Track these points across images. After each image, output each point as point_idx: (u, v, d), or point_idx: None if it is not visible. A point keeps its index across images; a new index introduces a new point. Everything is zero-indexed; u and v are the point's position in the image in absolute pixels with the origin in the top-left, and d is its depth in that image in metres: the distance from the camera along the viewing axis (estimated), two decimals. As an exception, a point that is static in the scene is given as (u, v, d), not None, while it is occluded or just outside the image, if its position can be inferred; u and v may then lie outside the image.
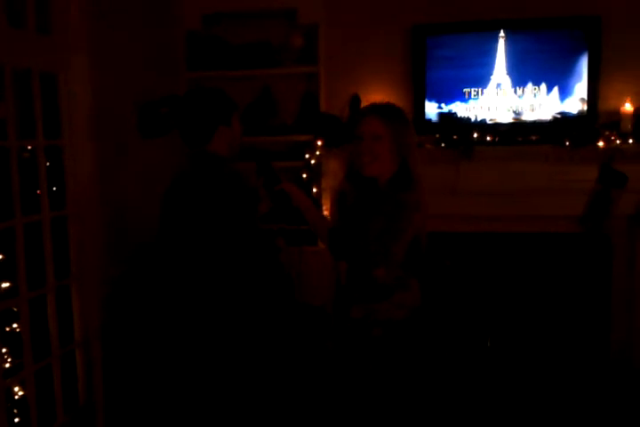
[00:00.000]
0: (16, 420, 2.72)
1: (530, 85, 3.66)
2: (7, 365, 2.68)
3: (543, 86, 3.65)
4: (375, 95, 3.77)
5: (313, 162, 3.76)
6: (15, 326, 2.69)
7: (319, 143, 3.72)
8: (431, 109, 3.76)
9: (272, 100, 3.96)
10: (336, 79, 3.81)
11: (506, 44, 3.63)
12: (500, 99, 3.69)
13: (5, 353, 2.71)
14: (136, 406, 3.09)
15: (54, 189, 2.89)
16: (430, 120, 3.76)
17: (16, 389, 2.71)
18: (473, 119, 3.73)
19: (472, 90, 3.70)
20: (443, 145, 3.67)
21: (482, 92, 3.70)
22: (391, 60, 3.80)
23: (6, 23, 2.46)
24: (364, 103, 3.77)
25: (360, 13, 3.78)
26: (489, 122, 3.73)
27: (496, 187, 3.70)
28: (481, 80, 3.68)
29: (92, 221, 2.94)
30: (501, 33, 3.62)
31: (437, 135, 3.69)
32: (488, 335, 3.91)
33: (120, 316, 3.10)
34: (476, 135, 3.67)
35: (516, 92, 3.67)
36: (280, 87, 3.98)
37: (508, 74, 3.66)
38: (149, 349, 2.98)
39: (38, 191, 2.72)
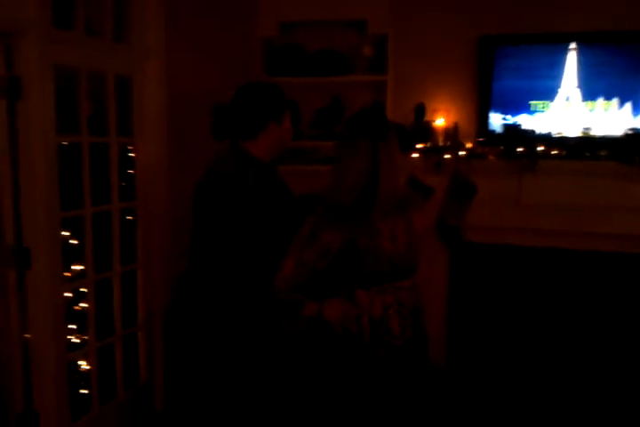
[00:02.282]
0: (81, 391, 2.98)
1: (601, 100, 3.58)
2: (76, 340, 2.95)
3: (615, 101, 3.57)
4: (440, 104, 3.85)
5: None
6: (84, 305, 2.96)
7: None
8: (496, 121, 3.76)
9: (341, 107, 4.08)
10: (403, 88, 3.88)
11: (577, 56, 3.58)
12: (569, 112, 3.64)
13: (75, 330, 3.00)
14: (193, 387, 3.27)
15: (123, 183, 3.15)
16: (494, 131, 3.76)
17: (83, 363, 2.98)
18: (538, 132, 3.70)
19: (539, 102, 3.67)
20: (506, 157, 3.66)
21: (549, 105, 3.66)
22: (458, 70, 3.83)
23: (84, 33, 2.72)
24: (429, 112, 3.84)
25: (428, 24, 3.84)
26: (555, 135, 3.68)
27: (560, 202, 3.65)
28: (549, 92, 3.64)
29: (158, 213, 3.17)
30: (572, 45, 3.57)
31: (501, 147, 3.69)
32: (548, 353, 3.84)
33: (182, 302, 3.30)
34: (541, 148, 3.64)
35: (586, 106, 3.61)
36: (349, 94, 4.09)
37: (578, 87, 3.60)
38: (206, 335, 3.12)
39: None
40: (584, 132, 3.65)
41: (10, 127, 2.51)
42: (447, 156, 3.74)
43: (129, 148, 3.20)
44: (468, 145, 3.75)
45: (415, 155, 3.78)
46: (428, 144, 3.80)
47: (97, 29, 2.91)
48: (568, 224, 3.66)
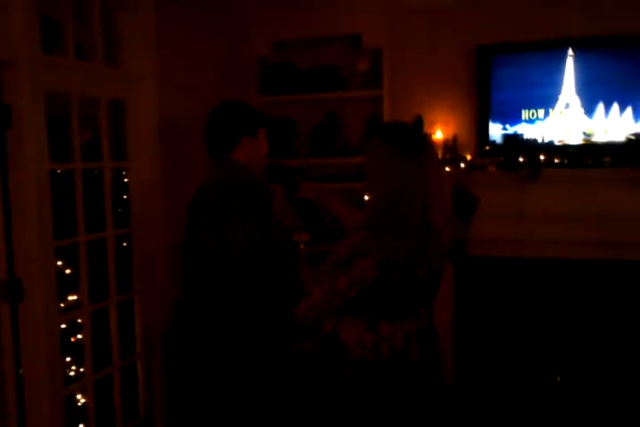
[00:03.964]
0: (79, 426, 2.88)
1: (601, 105, 3.53)
2: (72, 373, 2.86)
3: (615, 106, 3.51)
4: (438, 116, 3.79)
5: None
6: (80, 336, 2.88)
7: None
8: (495, 131, 3.70)
9: (337, 124, 4.03)
10: (400, 101, 3.83)
11: (575, 62, 3.53)
12: (569, 120, 3.58)
13: (71, 362, 2.91)
14: (196, 417, 3.19)
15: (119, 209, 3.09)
16: (494, 142, 3.70)
17: (79, 397, 2.89)
18: (540, 141, 3.64)
19: (539, 110, 3.62)
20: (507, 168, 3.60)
21: (549, 113, 3.60)
22: (455, 80, 3.78)
23: (74, 58, 2.67)
24: (427, 125, 3.78)
25: (423, 35, 3.80)
26: (557, 144, 3.62)
27: (565, 211, 3.59)
28: (548, 100, 3.59)
29: (155, 239, 3.10)
30: (570, 51, 3.52)
31: (502, 158, 3.63)
32: (555, 368, 3.74)
33: (182, 325, 3.22)
34: (543, 157, 3.58)
35: (586, 112, 3.55)
36: (346, 110, 4.05)
37: (577, 94, 3.55)
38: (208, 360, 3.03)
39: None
40: (585, 140, 3.59)
41: (0, 156, 2.44)
42: (447, 169, 3.68)
43: (124, 173, 3.14)
44: (468, 157, 3.69)
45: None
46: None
47: (87, 54, 2.87)
48: (573, 234, 3.59)
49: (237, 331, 2.20)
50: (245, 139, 2.33)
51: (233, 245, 2.14)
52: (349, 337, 1.95)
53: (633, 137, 3.50)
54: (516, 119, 3.66)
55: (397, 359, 1.93)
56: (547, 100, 3.59)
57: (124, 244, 3.12)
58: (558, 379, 3.74)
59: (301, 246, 3.03)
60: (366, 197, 2.03)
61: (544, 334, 3.76)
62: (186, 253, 2.34)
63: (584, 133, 3.58)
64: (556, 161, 3.58)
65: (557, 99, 3.58)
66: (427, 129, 3.77)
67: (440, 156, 3.73)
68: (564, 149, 3.60)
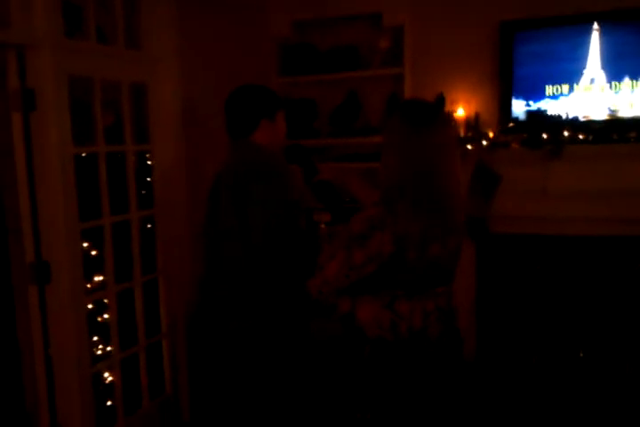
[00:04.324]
0: (107, 403, 2.96)
1: (627, 80, 3.44)
2: (99, 352, 2.93)
3: (642, 81, 3.43)
4: (460, 94, 3.75)
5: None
6: (107, 316, 2.94)
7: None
8: (519, 108, 3.64)
9: (357, 103, 4.00)
10: (422, 79, 3.79)
11: (600, 37, 3.44)
12: (594, 95, 3.51)
13: (99, 341, 2.97)
14: (220, 396, 3.25)
15: (143, 191, 3.12)
16: (518, 119, 3.64)
17: (107, 374, 2.96)
18: (564, 117, 3.57)
19: (563, 86, 3.54)
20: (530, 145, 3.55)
21: (573, 89, 3.53)
22: (477, 57, 3.72)
23: (96, 41, 2.69)
24: (449, 102, 3.74)
25: (445, 12, 3.74)
26: (581, 119, 3.55)
27: (589, 188, 3.53)
28: (572, 76, 3.51)
29: (178, 221, 3.14)
30: (595, 26, 3.44)
31: (525, 135, 3.58)
32: (578, 345, 3.72)
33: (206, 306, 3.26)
34: (567, 134, 3.52)
35: (611, 87, 3.48)
36: (367, 89, 4.02)
37: (602, 68, 3.47)
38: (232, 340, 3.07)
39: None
40: (611, 115, 3.52)
41: (25, 139, 2.49)
42: (470, 146, 3.64)
43: (147, 155, 3.17)
44: (491, 134, 3.65)
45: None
46: (451, 135, 3.70)
47: (109, 37, 2.89)
48: (597, 211, 3.53)
49: (259, 310, 2.23)
50: (264, 122, 2.34)
51: (254, 227, 2.16)
52: (366, 317, 1.95)
53: (660, 111, 3.42)
54: (539, 95, 3.59)
55: (416, 338, 1.93)
56: (571, 75, 3.52)
57: (149, 225, 3.16)
58: (581, 355, 3.72)
59: (322, 226, 3.05)
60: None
61: (566, 310, 3.73)
62: (208, 235, 2.36)
63: (609, 109, 3.51)
64: (581, 137, 3.51)
65: (582, 74, 3.50)
66: (449, 107, 3.72)
67: (462, 133, 3.70)
68: (589, 125, 3.53)
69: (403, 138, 1.88)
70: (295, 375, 2.31)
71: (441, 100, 3.72)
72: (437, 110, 1.97)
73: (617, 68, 3.45)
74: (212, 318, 2.37)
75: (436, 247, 1.90)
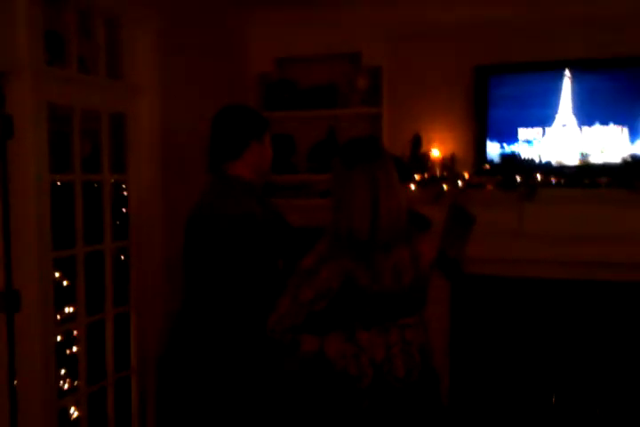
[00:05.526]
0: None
1: (597, 126, 3.56)
2: (66, 385, 2.84)
3: (612, 127, 3.54)
4: (436, 135, 3.82)
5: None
6: (75, 349, 2.86)
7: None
8: (493, 150, 3.72)
9: (336, 140, 4.06)
10: (398, 120, 3.86)
11: (572, 83, 3.57)
12: (566, 140, 3.61)
13: (66, 375, 2.88)
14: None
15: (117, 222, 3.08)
16: (492, 161, 3.72)
17: (72, 410, 2.86)
18: (537, 160, 3.66)
19: (536, 130, 3.65)
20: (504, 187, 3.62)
21: (545, 133, 3.63)
22: (453, 100, 3.81)
23: (76, 70, 2.69)
24: (425, 143, 3.81)
25: (422, 54, 3.82)
26: (554, 164, 3.64)
27: (561, 231, 3.59)
28: (545, 120, 3.62)
29: (153, 253, 3.10)
30: (566, 72, 3.56)
31: (499, 177, 3.65)
32: (550, 389, 3.72)
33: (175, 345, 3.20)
34: (540, 177, 3.60)
35: (582, 132, 3.58)
36: (345, 127, 4.07)
37: (574, 114, 3.58)
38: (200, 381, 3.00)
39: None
40: (582, 160, 3.62)
41: (1, 165, 2.45)
42: (445, 186, 3.69)
43: (123, 186, 3.15)
44: (466, 175, 3.71)
45: (413, 186, 3.73)
46: (426, 175, 3.76)
47: (90, 66, 2.89)
48: (570, 254, 3.58)
49: (228, 348, 2.19)
50: (253, 143, 2.28)
51: (228, 275, 2.16)
52: (332, 352, 1.98)
53: (629, 158, 3.53)
54: (513, 138, 3.68)
55: (380, 371, 1.94)
56: (544, 119, 3.62)
57: (122, 257, 3.11)
58: (553, 400, 3.72)
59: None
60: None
61: (540, 354, 3.75)
62: (185, 270, 2.33)
63: (581, 154, 3.61)
64: (553, 181, 3.60)
65: (554, 118, 3.61)
66: (425, 147, 3.80)
67: (438, 173, 3.76)
68: (561, 170, 3.62)
69: (336, 176, 1.98)
70: (266, 411, 2.26)
71: (417, 141, 3.79)
72: (373, 147, 2.03)
73: (587, 114, 3.57)
74: (182, 355, 2.32)
75: (388, 280, 1.94)
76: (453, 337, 3.88)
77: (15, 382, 2.45)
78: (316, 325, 2.01)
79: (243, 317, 2.16)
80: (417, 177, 3.74)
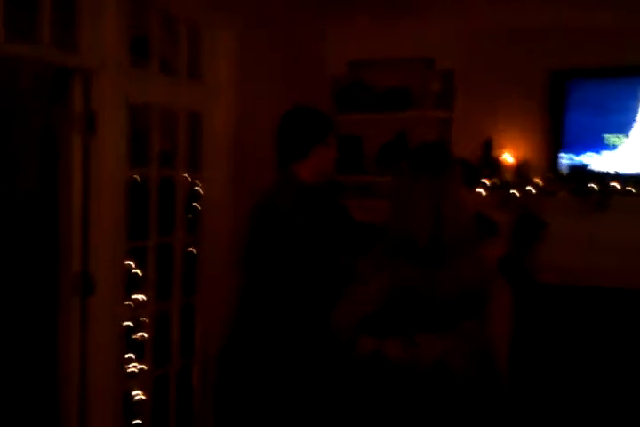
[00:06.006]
0: (134, 422, 2.99)
1: (678, 134, 3.43)
2: (132, 370, 2.98)
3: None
4: (508, 140, 3.77)
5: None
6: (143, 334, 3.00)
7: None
8: (567, 156, 3.66)
9: (406, 143, 4.07)
10: (470, 123, 3.84)
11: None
12: (645, 147, 3.50)
13: (132, 359, 3.03)
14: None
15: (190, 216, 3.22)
16: (566, 167, 3.65)
17: (137, 392, 3.00)
18: (613, 168, 3.56)
19: (613, 137, 3.55)
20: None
21: (623, 140, 3.53)
22: (526, 104, 3.76)
23: (158, 71, 2.84)
24: (496, 148, 3.77)
25: (496, 59, 3.80)
26: (630, 171, 3.53)
27: (636, 241, 3.47)
28: (623, 127, 3.53)
29: (221, 247, 3.21)
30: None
31: (573, 184, 3.57)
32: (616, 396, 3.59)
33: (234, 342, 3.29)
34: (615, 185, 3.49)
35: (662, 140, 3.46)
36: (415, 130, 4.08)
37: (654, 121, 3.47)
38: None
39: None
40: (662, 169, 3.49)
41: (83, 159, 2.62)
42: (515, 192, 3.64)
43: (196, 181, 3.28)
44: (538, 181, 3.64)
45: (482, 190, 3.70)
46: (496, 180, 3.72)
47: (171, 67, 3.03)
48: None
49: (286, 342, 2.24)
50: (317, 147, 2.33)
51: (280, 271, 2.22)
52: (390, 353, 1.99)
53: None
54: (589, 145, 3.60)
55: (436, 371, 1.95)
56: (622, 126, 3.53)
57: (193, 250, 3.24)
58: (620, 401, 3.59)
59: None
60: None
61: (607, 362, 3.63)
62: (245, 265, 2.42)
63: (661, 162, 3.49)
64: (630, 189, 3.49)
65: (632, 126, 3.50)
66: (496, 152, 3.76)
67: (509, 178, 3.71)
68: (637, 177, 3.50)
69: (399, 183, 2.01)
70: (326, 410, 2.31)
71: (488, 145, 3.75)
72: (440, 154, 2.03)
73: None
74: (240, 351, 2.40)
75: (445, 289, 1.94)
76: (515, 343, 3.81)
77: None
78: (374, 327, 2.04)
79: (297, 314, 2.20)
80: (487, 181, 3.71)
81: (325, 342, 2.21)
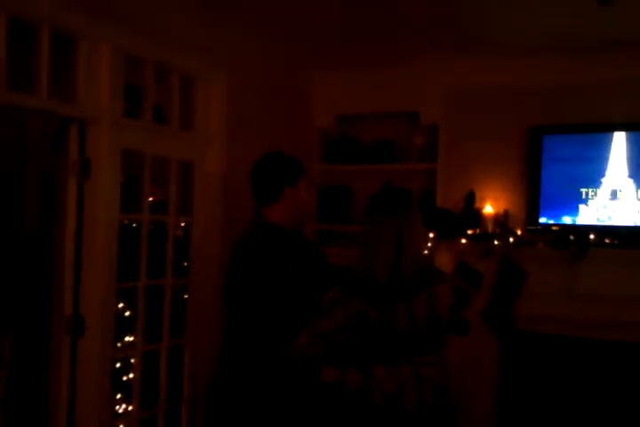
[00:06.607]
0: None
1: (652, 187, 3.58)
2: (121, 410, 3.02)
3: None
4: (490, 192, 3.92)
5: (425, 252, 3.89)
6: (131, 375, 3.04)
7: (431, 235, 3.87)
8: (545, 208, 3.79)
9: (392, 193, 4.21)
10: (453, 176, 4.01)
11: (627, 144, 3.62)
12: (621, 201, 3.64)
13: (121, 399, 3.06)
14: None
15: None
16: (544, 219, 3.78)
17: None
18: (590, 220, 3.70)
19: (589, 190, 3.69)
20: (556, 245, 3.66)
21: (599, 194, 3.67)
22: (507, 158, 3.94)
23: (151, 121, 3.00)
24: (478, 199, 3.91)
25: (477, 115, 4.00)
26: (607, 224, 3.66)
27: (614, 292, 3.56)
28: (596, 180, 3.68)
29: (209, 290, 3.29)
30: (619, 134, 3.63)
31: (552, 235, 3.69)
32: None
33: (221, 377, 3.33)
34: (593, 237, 3.61)
35: (637, 194, 3.60)
36: (401, 182, 4.21)
37: (629, 176, 3.62)
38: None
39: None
40: (637, 222, 3.62)
41: (78, 203, 2.74)
42: (497, 242, 3.76)
43: (182, 225, 3.38)
44: (518, 232, 3.77)
45: (464, 241, 3.82)
46: (478, 231, 3.85)
47: (164, 116, 3.18)
48: (622, 315, 3.54)
49: (264, 380, 2.31)
50: (287, 189, 2.43)
51: (252, 308, 2.32)
52: (352, 384, 2.10)
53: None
54: (565, 198, 3.74)
55: (391, 405, 2.04)
56: (595, 180, 3.68)
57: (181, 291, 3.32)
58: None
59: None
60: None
61: (590, 412, 3.66)
62: (224, 306, 2.52)
63: (636, 215, 3.62)
64: (607, 241, 3.61)
65: (607, 180, 3.66)
66: (479, 203, 3.91)
67: (490, 229, 3.83)
68: (615, 230, 3.63)
69: (369, 224, 2.16)
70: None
71: (471, 197, 3.90)
72: (400, 198, 2.21)
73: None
74: (223, 387, 2.47)
75: (402, 318, 2.06)
76: (501, 392, 3.86)
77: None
78: (336, 357, 2.15)
79: (271, 346, 2.28)
80: (469, 232, 3.84)
81: (291, 371, 2.27)
